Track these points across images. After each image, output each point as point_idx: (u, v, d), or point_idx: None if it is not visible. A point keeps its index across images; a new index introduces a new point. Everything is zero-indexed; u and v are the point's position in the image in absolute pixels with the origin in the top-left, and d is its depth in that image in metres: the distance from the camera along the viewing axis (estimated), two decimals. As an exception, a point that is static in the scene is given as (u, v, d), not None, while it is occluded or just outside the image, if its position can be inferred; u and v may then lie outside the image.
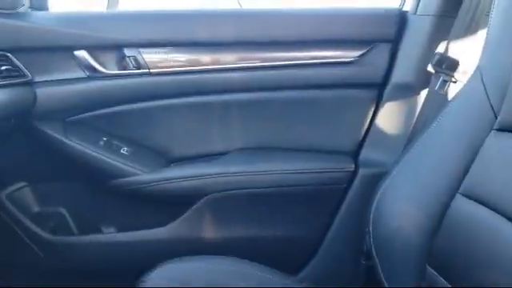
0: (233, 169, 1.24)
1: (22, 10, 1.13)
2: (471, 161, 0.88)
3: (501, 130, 0.84)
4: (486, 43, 0.95)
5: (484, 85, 0.92)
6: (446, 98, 1.11)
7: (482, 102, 0.91)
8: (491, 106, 0.89)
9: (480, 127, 0.90)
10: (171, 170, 1.25)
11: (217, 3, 1.68)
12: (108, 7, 1.42)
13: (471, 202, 0.84)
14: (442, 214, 0.89)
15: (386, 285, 0.98)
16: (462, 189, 0.87)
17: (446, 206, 0.88)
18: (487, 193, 0.82)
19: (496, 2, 0.94)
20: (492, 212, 0.79)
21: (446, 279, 0.83)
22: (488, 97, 0.90)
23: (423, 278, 0.89)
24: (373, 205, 1.04)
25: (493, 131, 0.86)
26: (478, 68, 0.96)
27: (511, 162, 0.80)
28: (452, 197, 0.88)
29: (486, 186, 0.83)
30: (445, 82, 1.14)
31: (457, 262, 0.82)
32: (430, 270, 0.88)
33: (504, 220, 0.75)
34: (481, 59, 0.96)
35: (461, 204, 0.86)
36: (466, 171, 0.88)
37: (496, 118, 0.86)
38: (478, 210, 0.81)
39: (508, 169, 0.81)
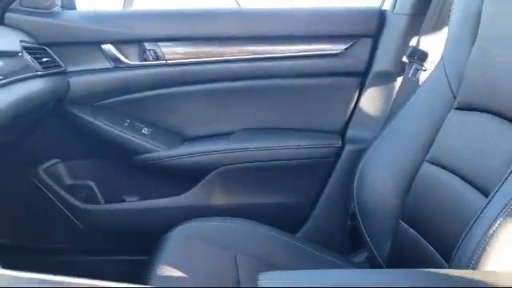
0: (237, 146, 1.37)
1: (55, 9, 1.27)
2: (435, 134, 1.04)
3: (458, 108, 1.01)
4: (447, 38, 1.11)
5: (446, 73, 1.09)
6: (417, 84, 1.26)
7: (444, 86, 1.07)
8: (451, 89, 1.05)
9: (442, 107, 1.05)
10: (185, 147, 1.39)
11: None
12: (124, 6, 1.56)
13: (435, 167, 1.00)
14: (411, 178, 1.05)
15: (368, 238, 1.13)
16: (428, 157, 1.04)
17: (415, 172, 1.05)
18: (447, 159, 0.99)
19: (455, 5, 1.10)
20: (451, 174, 0.96)
21: (414, 230, 1.00)
22: (449, 82, 1.07)
23: (397, 231, 1.06)
24: (356, 174, 1.19)
25: (452, 110, 1.02)
26: (442, 59, 1.11)
27: (465, 134, 0.97)
28: (420, 164, 1.04)
29: (447, 153, 1.00)
30: (416, 70, 1.30)
31: (423, 216, 0.99)
32: (402, 223, 1.04)
33: (459, 179, 0.92)
34: (443, 51, 1.12)
35: (427, 169, 1.03)
36: (432, 143, 1.04)
37: (455, 99, 1.02)
38: (440, 173, 0.98)
39: (463, 139, 0.98)
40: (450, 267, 0.78)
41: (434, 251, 0.93)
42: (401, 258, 1.05)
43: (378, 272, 0.88)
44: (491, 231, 0.72)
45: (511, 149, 0.81)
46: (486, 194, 0.84)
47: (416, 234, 1.00)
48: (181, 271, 0.99)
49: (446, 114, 1.04)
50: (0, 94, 0.90)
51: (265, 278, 0.70)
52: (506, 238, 0.72)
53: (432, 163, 1.03)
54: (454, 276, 0.68)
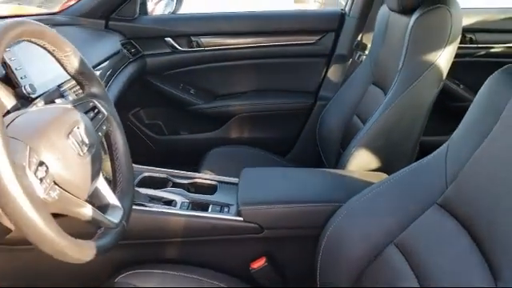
0: (248, 102, 1.95)
1: (136, 16, 1.85)
2: (361, 99, 1.60)
3: (373, 84, 1.57)
4: (373, 37, 1.62)
5: (370, 60, 1.62)
6: (359, 64, 1.76)
7: (368, 69, 1.61)
8: (372, 72, 1.59)
9: (366, 82, 1.59)
10: (216, 102, 1.96)
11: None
12: (174, 11, 2.14)
13: (358, 118, 1.57)
14: (348, 122, 1.59)
15: (323, 158, 1.70)
16: (356, 112, 1.59)
17: (350, 120, 1.59)
18: (362, 113, 1.55)
19: (378, 16, 1.58)
20: (360, 120, 1.56)
21: (343, 151, 1.55)
22: (371, 66, 1.60)
23: (338, 153, 1.64)
24: (319, 120, 1.75)
25: (371, 85, 1.58)
26: (369, 50, 1.65)
27: (370, 99, 1.53)
28: (352, 116, 1.59)
29: (362, 110, 1.56)
30: (360, 55, 1.82)
31: (347, 143, 1.47)
32: (340, 149, 1.62)
33: (360, 121, 1.54)
34: (370, 46, 1.65)
35: (354, 119, 1.58)
36: (359, 104, 1.62)
37: (373, 78, 1.58)
38: (358, 120, 1.56)
39: (369, 102, 1.53)
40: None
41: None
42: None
43: (309, 170, 1.45)
44: (356, 146, 1.33)
45: (380, 103, 1.37)
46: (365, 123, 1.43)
47: (344, 153, 1.61)
48: (214, 174, 1.54)
49: (368, 85, 1.59)
50: (114, 83, 1.47)
51: (247, 174, 1.24)
52: (364, 149, 1.31)
53: (357, 116, 1.59)
54: (331, 172, 1.29)
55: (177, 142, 2.04)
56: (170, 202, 1.15)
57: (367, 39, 1.82)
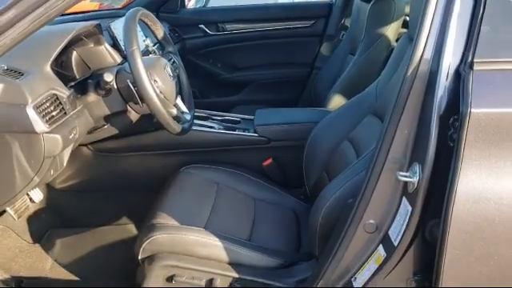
0: (260, 72, 2.51)
1: (178, 9, 2.47)
2: (342, 65, 2.22)
3: (350, 53, 2.17)
4: (350, 20, 2.22)
5: (348, 36, 2.22)
6: (342, 41, 2.32)
7: (348, 43, 2.16)
8: (349, 45, 2.19)
9: (346, 53, 2.16)
10: (237, 72, 2.53)
11: None
12: (205, 4, 2.75)
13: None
14: (333, 83, 2.25)
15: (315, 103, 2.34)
16: (339, 75, 2.24)
17: (335, 80, 2.25)
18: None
19: (354, 3, 2.20)
20: None
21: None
22: (350, 42, 2.19)
23: (324, 101, 2.27)
24: (314, 84, 2.38)
25: (349, 55, 2.18)
26: (348, 29, 2.25)
27: (347, 64, 2.16)
28: (336, 79, 2.24)
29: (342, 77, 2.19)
30: (343, 35, 2.34)
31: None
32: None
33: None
34: (349, 26, 2.24)
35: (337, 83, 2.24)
36: (341, 68, 2.23)
37: (350, 49, 2.19)
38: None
39: (345, 67, 2.16)
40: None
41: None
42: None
43: (301, 108, 2.07)
44: (332, 90, 1.93)
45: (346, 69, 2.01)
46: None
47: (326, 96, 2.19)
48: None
49: (347, 56, 2.16)
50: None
51: (260, 112, 1.92)
52: (337, 93, 1.92)
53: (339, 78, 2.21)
54: (315, 108, 1.90)
55: (208, 103, 2.50)
56: (210, 127, 1.75)
57: (348, 22, 2.37)
